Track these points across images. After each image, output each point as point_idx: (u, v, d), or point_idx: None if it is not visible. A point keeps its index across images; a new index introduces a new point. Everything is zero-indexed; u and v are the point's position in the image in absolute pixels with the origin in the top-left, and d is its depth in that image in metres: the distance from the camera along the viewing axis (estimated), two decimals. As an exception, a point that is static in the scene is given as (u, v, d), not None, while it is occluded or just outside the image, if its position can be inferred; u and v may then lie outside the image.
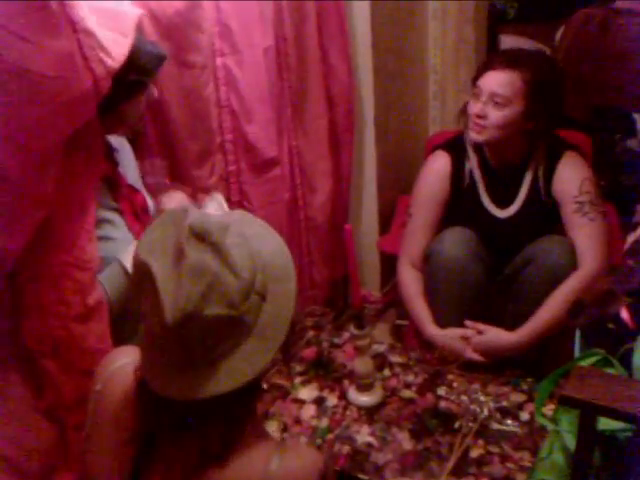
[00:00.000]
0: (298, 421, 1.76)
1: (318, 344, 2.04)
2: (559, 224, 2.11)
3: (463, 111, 2.18)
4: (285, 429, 1.73)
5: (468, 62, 3.07)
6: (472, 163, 2.20)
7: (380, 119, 2.76)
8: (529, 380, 1.85)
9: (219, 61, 2.06)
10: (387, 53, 2.75)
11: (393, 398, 1.83)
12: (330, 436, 1.71)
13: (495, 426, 1.70)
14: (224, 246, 0.99)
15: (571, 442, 1.34)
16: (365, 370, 1.79)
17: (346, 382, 1.88)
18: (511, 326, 2.04)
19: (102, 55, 1.37)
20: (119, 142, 1.77)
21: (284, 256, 1.10)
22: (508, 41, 3.44)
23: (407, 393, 1.84)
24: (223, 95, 2.11)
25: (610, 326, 1.46)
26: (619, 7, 3.07)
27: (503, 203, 2.18)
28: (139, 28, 1.76)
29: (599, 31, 3.05)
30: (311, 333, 2.10)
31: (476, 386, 1.84)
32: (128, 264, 1.52)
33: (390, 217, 2.91)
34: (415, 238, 2.23)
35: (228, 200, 2.20)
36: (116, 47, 1.42)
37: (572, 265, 2.01)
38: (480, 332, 2.03)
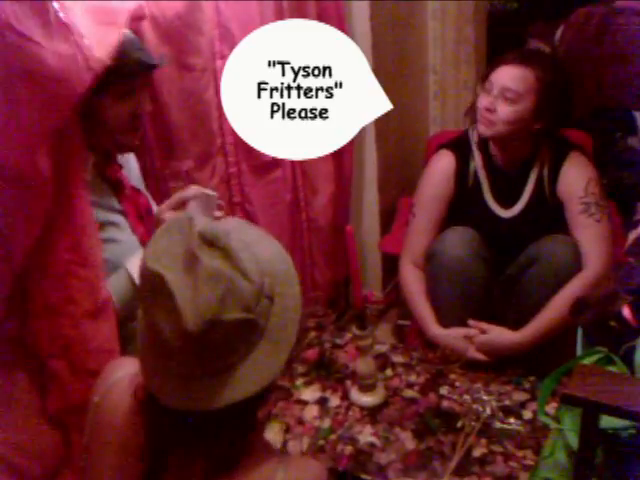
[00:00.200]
0: (301, 422, 1.76)
1: (320, 345, 2.04)
2: (562, 224, 2.11)
3: (472, 107, 2.18)
4: (288, 430, 1.73)
5: (468, 62, 3.07)
6: (477, 162, 2.19)
7: (380, 119, 2.76)
8: (531, 379, 1.85)
9: (219, 63, 2.06)
10: (387, 54, 2.75)
11: (395, 398, 1.83)
12: (333, 437, 1.71)
13: (498, 425, 1.70)
14: (234, 251, 0.99)
15: (574, 440, 1.34)
16: (367, 370, 1.79)
17: (348, 382, 1.88)
18: (514, 325, 2.03)
19: (90, 50, 1.37)
20: None
21: (285, 260, 1.10)
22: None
23: (409, 393, 1.85)
24: (223, 97, 2.11)
25: (612, 324, 1.47)
26: (618, 6, 3.07)
27: (507, 203, 2.18)
28: (139, 32, 1.77)
29: (599, 30, 3.05)
30: (313, 334, 2.10)
31: (478, 385, 1.85)
32: (134, 271, 1.53)
33: (391, 217, 2.91)
34: (418, 237, 2.23)
35: (229, 202, 2.21)
36: (101, 42, 1.40)
37: (576, 264, 2.01)
38: (483, 331, 2.03)
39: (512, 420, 1.71)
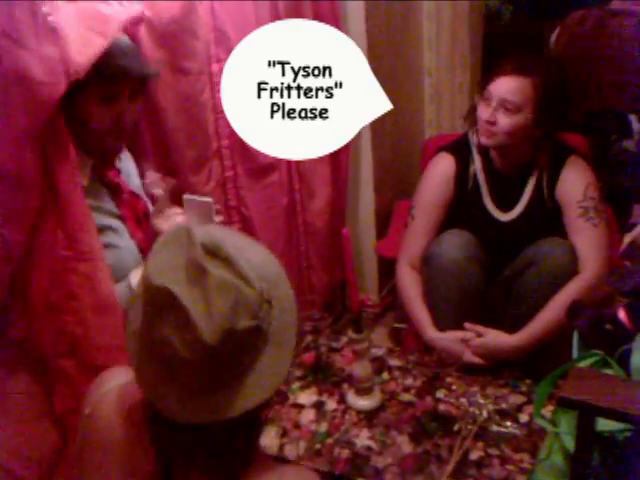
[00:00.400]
0: (297, 426, 1.76)
1: (316, 348, 2.04)
2: (560, 227, 2.11)
3: (470, 113, 2.19)
4: (284, 434, 1.73)
5: (463, 65, 3.08)
6: (476, 166, 2.20)
7: (376, 123, 2.76)
8: (527, 382, 1.85)
9: (215, 67, 2.06)
10: (382, 56, 2.75)
11: (392, 402, 1.82)
12: (329, 440, 1.71)
13: (494, 428, 1.70)
14: (234, 259, 0.99)
15: (570, 443, 1.34)
16: (364, 374, 1.79)
17: (345, 386, 1.88)
18: (510, 328, 2.04)
19: (73, 54, 1.37)
20: None
21: (274, 263, 1.10)
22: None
23: (406, 396, 1.84)
24: (219, 101, 2.10)
25: (608, 327, 1.46)
26: (614, 8, 3.07)
27: (506, 206, 2.18)
28: (136, 38, 1.77)
29: (594, 32, 3.05)
30: (309, 337, 2.10)
31: (475, 388, 1.84)
32: (136, 284, 1.52)
33: (387, 221, 2.91)
34: (416, 239, 2.23)
35: (225, 205, 2.21)
36: (86, 47, 1.41)
37: (573, 267, 2.01)
38: (479, 334, 2.03)
39: (509, 423, 1.71)
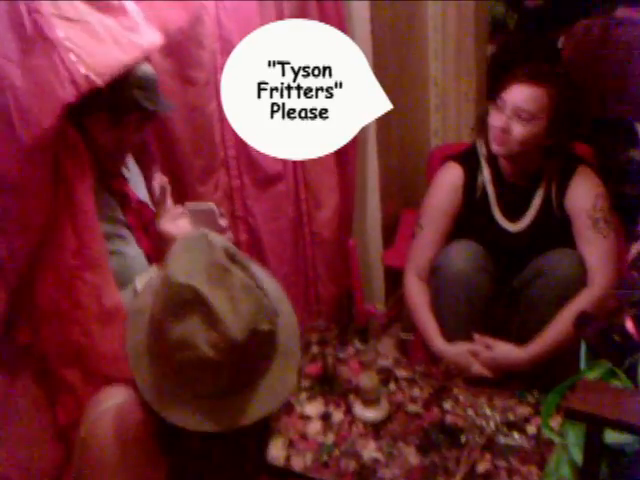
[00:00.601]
0: (304, 437, 1.76)
1: (323, 359, 2.04)
2: (569, 238, 2.10)
3: (480, 120, 2.18)
4: (291, 445, 1.73)
5: (469, 74, 3.08)
6: (485, 176, 2.19)
7: (382, 132, 2.77)
8: (535, 393, 1.84)
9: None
10: (388, 66, 2.75)
11: (399, 413, 1.82)
12: (336, 452, 1.70)
13: (502, 440, 1.70)
14: (249, 266, 1.02)
15: (578, 455, 1.33)
16: (370, 385, 1.79)
17: (352, 397, 1.88)
18: (518, 338, 2.03)
19: (83, 69, 1.37)
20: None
21: (273, 281, 1.14)
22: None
23: (413, 407, 1.84)
24: (226, 111, 2.11)
25: (616, 338, 1.46)
26: (619, 17, 3.07)
27: (514, 217, 2.17)
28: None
29: (599, 41, 3.05)
30: (316, 348, 2.09)
31: (482, 400, 1.84)
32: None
33: (394, 230, 2.91)
34: (423, 250, 2.22)
35: (232, 215, 2.21)
36: (103, 63, 1.42)
37: (581, 278, 2.00)
38: (488, 346, 2.03)
39: (516, 435, 1.70)
